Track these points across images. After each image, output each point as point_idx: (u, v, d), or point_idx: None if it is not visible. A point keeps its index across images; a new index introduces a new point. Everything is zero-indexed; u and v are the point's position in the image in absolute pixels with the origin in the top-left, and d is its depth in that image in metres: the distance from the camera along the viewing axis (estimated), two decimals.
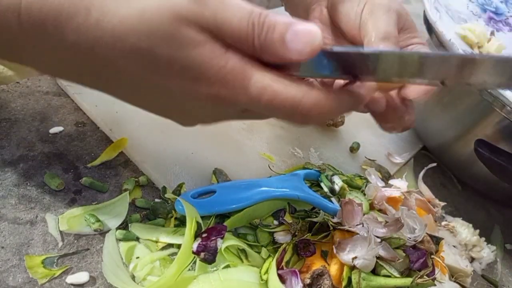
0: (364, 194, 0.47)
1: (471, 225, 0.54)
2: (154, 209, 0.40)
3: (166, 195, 0.42)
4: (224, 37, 0.26)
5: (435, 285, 0.39)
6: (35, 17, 0.26)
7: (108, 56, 0.26)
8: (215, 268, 0.37)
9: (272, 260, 0.38)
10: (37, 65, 0.31)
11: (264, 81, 0.26)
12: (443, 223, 0.54)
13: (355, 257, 0.37)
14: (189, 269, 0.36)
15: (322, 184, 0.49)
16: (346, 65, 0.28)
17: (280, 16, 0.26)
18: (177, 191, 0.42)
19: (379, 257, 0.38)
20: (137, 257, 0.37)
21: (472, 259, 0.53)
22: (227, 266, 0.37)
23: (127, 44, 0.26)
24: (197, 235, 0.37)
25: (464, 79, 0.26)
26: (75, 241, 0.37)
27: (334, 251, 0.38)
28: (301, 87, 0.27)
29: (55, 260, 0.35)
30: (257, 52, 0.26)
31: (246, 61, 0.26)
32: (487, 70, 0.25)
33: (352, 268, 0.38)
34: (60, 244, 0.36)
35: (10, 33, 0.27)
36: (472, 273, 0.49)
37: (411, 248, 0.40)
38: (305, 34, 0.26)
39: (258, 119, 0.34)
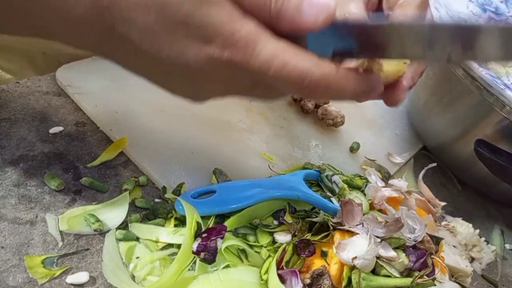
0: (364, 194, 0.47)
1: (471, 225, 0.54)
2: (154, 209, 0.40)
3: (166, 195, 0.42)
4: (243, 1, 0.27)
5: (435, 285, 0.39)
6: None
7: (128, 10, 0.26)
8: (215, 268, 0.37)
9: (272, 260, 0.38)
10: (54, 33, 0.30)
11: (276, 49, 0.27)
12: (443, 223, 0.54)
13: (355, 257, 0.37)
14: (189, 269, 0.36)
15: (322, 184, 0.49)
16: (358, 38, 0.28)
17: None
18: (177, 191, 0.42)
19: (379, 257, 0.38)
20: (137, 257, 0.37)
21: (472, 259, 0.53)
22: (227, 266, 0.37)
23: None
24: (197, 235, 0.37)
25: (472, 52, 0.25)
26: (75, 241, 0.37)
27: (334, 251, 0.38)
28: (312, 58, 0.27)
29: (55, 260, 0.35)
30: (273, 19, 0.27)
31: (261, 28, 0.27)
32: (495, 40, 0.24)
33: (352, 268, 0.38)
34: (60, 244, 0.37)
35: None
36: (472, 273, 0.49)
37: (411, 248, 0.40)
38: (320, 3, 0.27)
39: (266, 98, 0.33)
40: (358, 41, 0.28)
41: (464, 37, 0.25)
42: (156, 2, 0.26)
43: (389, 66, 0.31)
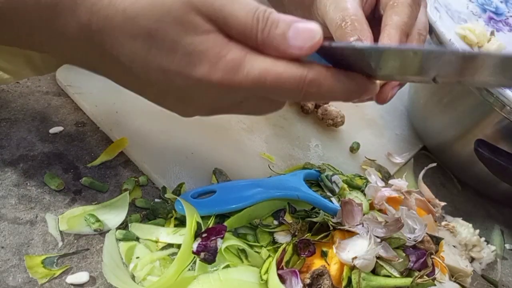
0: (364, 194, 0.47)
1: (471, 225, 0.54)
2: (154, 209, 0.40)
3: (166, 195, 0.42)
4: (230, 29, 0.27)
5: (435, 285, 0.39)
6: None
7: (116, 36, 0.27)
8: (215, 268, 0.37)
9: (272, 260, 0.38)
10: (49, 49, 0.31)
11: (267, 64, 0.27)
12: (443, 223, 0.54)
13: (355, 257, 0.37)
14: (189, 269, 0.36)
15: (322, 184, 0.49)
16: (344, 63, 0.28)
17: (283, 15, 0.27)
18: (177, 191, 0.42)
19: (379, 257, 0.38)
20: (137, 257, 0.37)
21: (472, 259, 0.53)
22: (227, 266, 0.37)
23: (136, 26, 0.27)
24: (197, 235, 0.37)
25: (461, 77, 0.25)
26: (75, 241, 0.37)
27: (334, 251, 0.38)
28: (302, 64, 0.28)
29: (55, 260, 0.35)
30: (259, 47, 0.27)
31: (247, 51, 0.27)
32: (489, 68, 0.24)
33: (352, 268, 0.38)
34: (60, 244, 0.37)
35: (27, 12, 0.28)
36: (472, 273, 0.49)
37: (411, 248, 0.40)
38: (306, 31, 0.27)
39: (254, 113, 0.34)
40: (344, 65, 0.28)
41: (457, 66, 0.25)
42: (142, 30, 0.27)
43: None
